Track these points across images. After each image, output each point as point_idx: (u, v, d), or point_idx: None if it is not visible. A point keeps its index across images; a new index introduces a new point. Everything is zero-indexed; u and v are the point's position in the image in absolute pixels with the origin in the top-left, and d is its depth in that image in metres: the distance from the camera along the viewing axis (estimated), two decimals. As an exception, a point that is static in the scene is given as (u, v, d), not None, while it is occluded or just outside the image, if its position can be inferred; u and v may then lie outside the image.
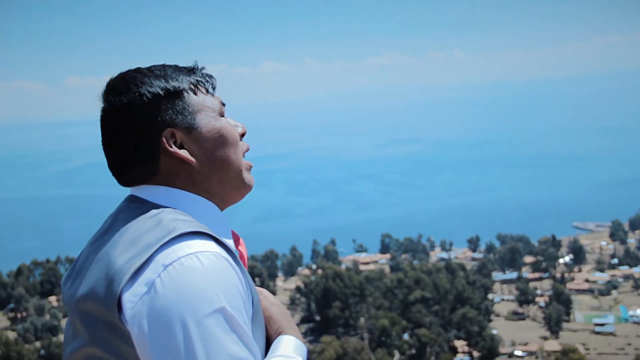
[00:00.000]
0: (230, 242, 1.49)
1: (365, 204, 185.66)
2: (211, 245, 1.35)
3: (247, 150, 1.59)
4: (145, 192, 1.49)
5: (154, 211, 1.42)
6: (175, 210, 1.44)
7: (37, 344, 56.27)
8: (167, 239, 1.32)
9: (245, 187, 1.57)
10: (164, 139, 1.45)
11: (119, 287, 1.29)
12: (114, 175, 1.53)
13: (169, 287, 1.27)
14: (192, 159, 1.47)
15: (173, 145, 1.46)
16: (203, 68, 1.58)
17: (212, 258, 1.32)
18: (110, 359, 1.33)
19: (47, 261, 78.88)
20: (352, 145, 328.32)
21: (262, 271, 79.22)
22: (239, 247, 1.57)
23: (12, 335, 58.27)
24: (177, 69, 1.53)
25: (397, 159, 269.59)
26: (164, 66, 1.53)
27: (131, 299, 1.29)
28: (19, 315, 70.73)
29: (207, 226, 1.42)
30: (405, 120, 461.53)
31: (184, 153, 1.46)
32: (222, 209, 1.55)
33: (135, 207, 1.46)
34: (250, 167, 1.59)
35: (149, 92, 1.46)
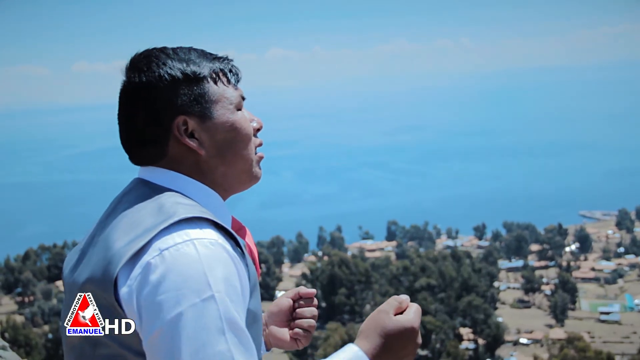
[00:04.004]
0: (248, 239, 1.51)
1: (371, 191, 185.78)
2: (210, 233, 1.34)
3: (260, 145, 1.57)
4: (151, 174, 1.49)
5: (156, 194, 1.42)
6: (178, 193, 1.43)
7: (45, 327, 56.68)
8: (166, 224, 1.32)
9: (251, 181, 1.56)
10: (175, 126, 1.44)
11: (116, 269, 1.30)
12: (126, 152, 1.52)
13: (162, 271, 1.27)
14: (201, 150, 1.46)
15: (183, 133, 1.45)
16: (230, 59, 1.55)
17: (209, 245, 1.31)
18: (107, 341, 1.34)
19: (54, 246, 79.40)
20: (359, 132, 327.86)
21: (269, 257, 79.50)
22: (246, 239, 1.54)
23: (19, 319, 58.69)
24: (202, 54, 1.51)
25: (404, 147, 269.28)
26: (190, 49, 1.51)
27: (127, 282, 1.29)
28: (26, 299, 71.23)
29: (206, 210, 1.42)
30: (412, 108, 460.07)
31: (193, 143, 1.45)
32: (224, 199, 1.54)
33: (139, 189, 1.46)
34: (262, 159, 1.58)
35: (168, 74, 1.44)
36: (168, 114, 1.44)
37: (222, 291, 1.28)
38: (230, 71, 1.54)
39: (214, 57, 1.52)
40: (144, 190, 1.45)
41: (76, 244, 1.42)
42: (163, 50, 1.49)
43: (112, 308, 1.31)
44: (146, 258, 1.29)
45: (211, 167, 1.49)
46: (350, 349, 1.43)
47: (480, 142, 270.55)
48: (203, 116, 1.46)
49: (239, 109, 1.53)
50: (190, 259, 1.28)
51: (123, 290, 1.29)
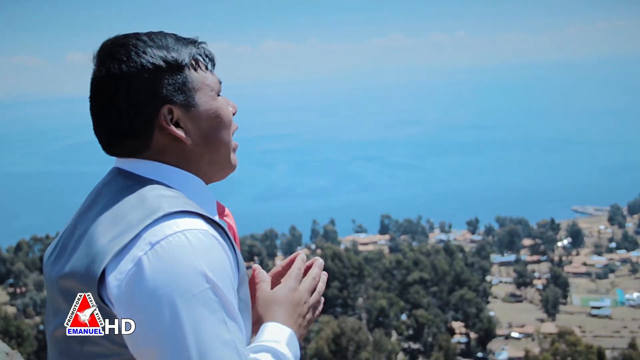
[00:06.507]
0: (216, 218, 1.44)
1: (365, 185, 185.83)
2: (199, 223, 1.32)
3: (236, 130, 1.56)
4: (132, 165, 1.44)
5: (137, 186, 1.39)
6: (160, 185, 1.40)
7: (37, 318, 56.64)
8: (151, 220, 1.29)
9: (230, 168, 1.54)
10: (161, 116, 1.40)
11: (101, 266, 1.27)
12: (101, 143, 1.47)
13: (157, 265, 1.24)
14: (187, 138, 1.43)
15: (170, 123, 1.41)
16: (204, 42, 1.51)
17: (200, 236, 1.29)
18: (93, 335, 1.32)
19: (47, 237, 79.13)
20: (353, 126, 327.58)
21: (262, 250, 79.56)
22: (225, 218, 1.53)
23: (11, 310, 58.63)
24: (177, 39, 1.46)
25: (399, 141, 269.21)
26: (164, 35, 1.46)
27: (117, 276, 1.26)
28: (18, 290, 71.13)
29: (193, 201, 1.40)
30: (407, 102, 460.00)
31: (179, 132, 1.42)
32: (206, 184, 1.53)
33: (120, 181, 1.43)
34: (237, 147, 1.56)
35: (150, 63, 1.39)
36: (153, 104, 1.40)
37: (218, 281, 1.27)
38: (207, 56, 1.50)
39: (188, 42, 1.47)
40: (125, 183, 1.41)
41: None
42: (138, 37, 1.43)
43: (96, 303, 1.29)
44: (137, 252, 1.26)
45: (196, 156, 1.46)
46: (270, 326, 1.49)
47: (474, 136, 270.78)
48: (187, 105, 1.43)
49: (219, 95, 1.51)
50: (183, 250, 1.26)
51: (112, 286, 1.26)
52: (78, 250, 1.34)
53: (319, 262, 1.67)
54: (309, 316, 1.58)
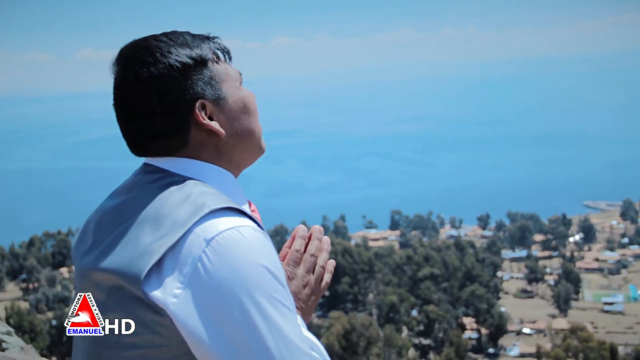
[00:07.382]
0: (256, 216, 1.46)
1: (375, 180, 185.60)
2: (245, 220, 1.33)
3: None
4: (168, 163, 1.44)
5: (177, 184, 1.38)
6: (199, 182, 1.40)
7: (49, 314, 56.93)
8: (198, 217, 1.29)
9: (261, 152, 1.56)
10: (197, 112, 1.41)
11: (148, 264, 1.26)
12: (134, 147, 1.46)
13: (218, 263, 1.25)
14: (222, 131, 1.44)
15: (205, 117, 1.43)
16: (217, 37, 1.53)
17: (253, 232, 1.31)
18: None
19: (59, 233, 79.56)
20: (363, 121, 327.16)
21: (272, 246, 79.67)
22: (253, 214, 1.50)
23: (24, 305, 58.96)
24: (193, 36, 1.48)
25: (409, 136, 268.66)
26: (180, 33, 1.47)
27: (180, 278, 1.26)
28: (30, 285, 71.52)
29: (228, 197, 1.40)
30: (417, 98, 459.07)
31: (215, 125, 1.43)
32: (236, 176, 1.54)
33: (158, 179, 1.41)
34: (261, 130, 1.57)
35: (178, 61, 1.40)
36: (186, 102, 1.41)
37: (280, 274, 1.30)
38: (223, 49, 1.52)
39: (204, 37, 1.49)
40: (164, 180, 1.40)
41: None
42: (157, 38, 1.44)
43: (139, 298, 1.27)
44: (194, 251, 1.26)
45: (230, 147, 1.47)
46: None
47: (484, 132, 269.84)
48: (217, 98, 1.45)
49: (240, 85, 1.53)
50: (241, 246, 1.27)
51: (172, 288, 1.25)
52: (119, 247, 1.32)
53: (316, 233, 1.59)
54: (314, 297, 1.55)
